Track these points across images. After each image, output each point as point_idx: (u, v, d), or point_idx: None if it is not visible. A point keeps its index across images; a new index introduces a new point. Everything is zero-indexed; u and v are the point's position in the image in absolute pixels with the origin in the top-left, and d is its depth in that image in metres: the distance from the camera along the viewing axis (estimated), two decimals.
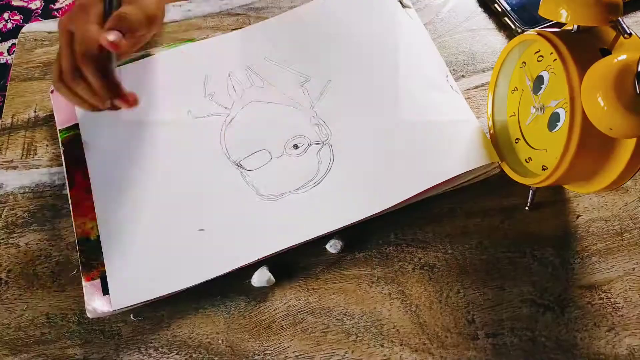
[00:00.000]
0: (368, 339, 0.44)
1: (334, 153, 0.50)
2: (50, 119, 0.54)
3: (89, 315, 0.43)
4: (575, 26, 0.41)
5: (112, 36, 0.44)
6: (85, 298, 0.44)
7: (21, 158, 0.53)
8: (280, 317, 0.45)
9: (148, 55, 0.56)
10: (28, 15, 1.54)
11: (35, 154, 0.53)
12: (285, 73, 0.55)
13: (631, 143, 0.38)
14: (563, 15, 0.39)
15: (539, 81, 0.44)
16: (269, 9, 0.61)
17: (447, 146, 0.49)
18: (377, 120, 0.51)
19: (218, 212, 0.48)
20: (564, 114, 0.41)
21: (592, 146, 0.39)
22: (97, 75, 0.45)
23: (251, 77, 0.55)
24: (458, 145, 0.49)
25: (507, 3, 0.60)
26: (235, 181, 0.49)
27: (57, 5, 1.55)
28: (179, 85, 0.55)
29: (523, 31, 0.57)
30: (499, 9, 0.60)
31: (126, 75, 0.55)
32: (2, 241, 0.48)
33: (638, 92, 0.34)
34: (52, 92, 0.54)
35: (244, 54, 0.57)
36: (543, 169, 0.44)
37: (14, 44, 1.49)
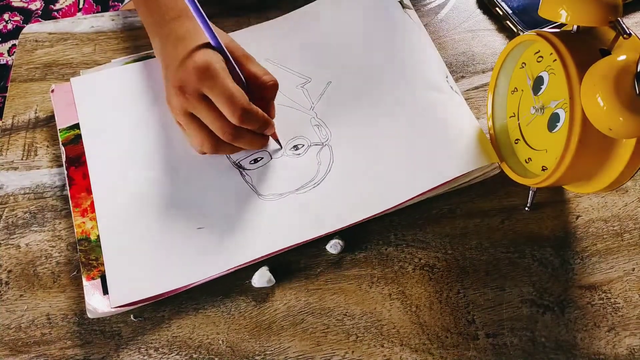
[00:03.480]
0: (368, 339, 0.44)
1: (334, 154, 0.50)
2: (50, 120, 0.55)
3: (89, 315, 0.43)
4: (575, 27, 0.42)
5: (269, 76, 0.48)
6: (86, 297, 0.44)
7: (22, 159, 0.53)
8: (281, 317, 0.45)
9: (150, 56, 0.56)
10: (28, 16, 1.55)
11: (36, 155, 0.53)
12: (286, 74, 0.55)
13: (631, 143, 0.38)
14: (563, 16, 0.39)
15: (538, 82, 0.44)
16: (270, 10, 0.61)
17: (447, 147, 0.49)
18: (377, 121, 0.51)
19: (218, 212, 0.48)
20: (563, 115, 0.41)
21: (591, 146, 0.39)
22: (265, 118, 0.47)
23: None
24: (458, 146, 0.49)
25: (508, 6, 0.60)
26: (235, 181, 0.49)
27: (57, 6, 1.56)
28: None
29: None
30: (501, 13, 0.60)
31: (128, 75, 0.55)
32: (2, 242, 0.48)
33: (637, 92, 0.34)
34: (52, 91, 0.54)
35: None
36: (543, 170, 0.44)
37: (14, 45, 1.49)
